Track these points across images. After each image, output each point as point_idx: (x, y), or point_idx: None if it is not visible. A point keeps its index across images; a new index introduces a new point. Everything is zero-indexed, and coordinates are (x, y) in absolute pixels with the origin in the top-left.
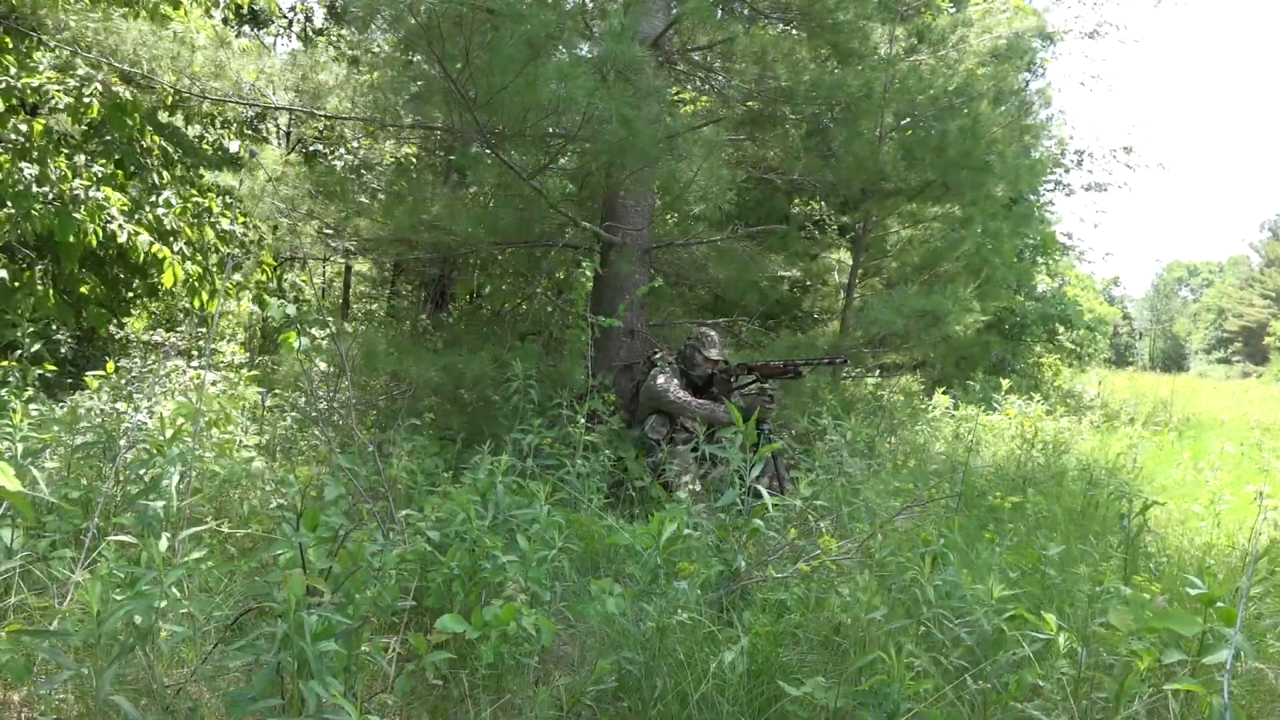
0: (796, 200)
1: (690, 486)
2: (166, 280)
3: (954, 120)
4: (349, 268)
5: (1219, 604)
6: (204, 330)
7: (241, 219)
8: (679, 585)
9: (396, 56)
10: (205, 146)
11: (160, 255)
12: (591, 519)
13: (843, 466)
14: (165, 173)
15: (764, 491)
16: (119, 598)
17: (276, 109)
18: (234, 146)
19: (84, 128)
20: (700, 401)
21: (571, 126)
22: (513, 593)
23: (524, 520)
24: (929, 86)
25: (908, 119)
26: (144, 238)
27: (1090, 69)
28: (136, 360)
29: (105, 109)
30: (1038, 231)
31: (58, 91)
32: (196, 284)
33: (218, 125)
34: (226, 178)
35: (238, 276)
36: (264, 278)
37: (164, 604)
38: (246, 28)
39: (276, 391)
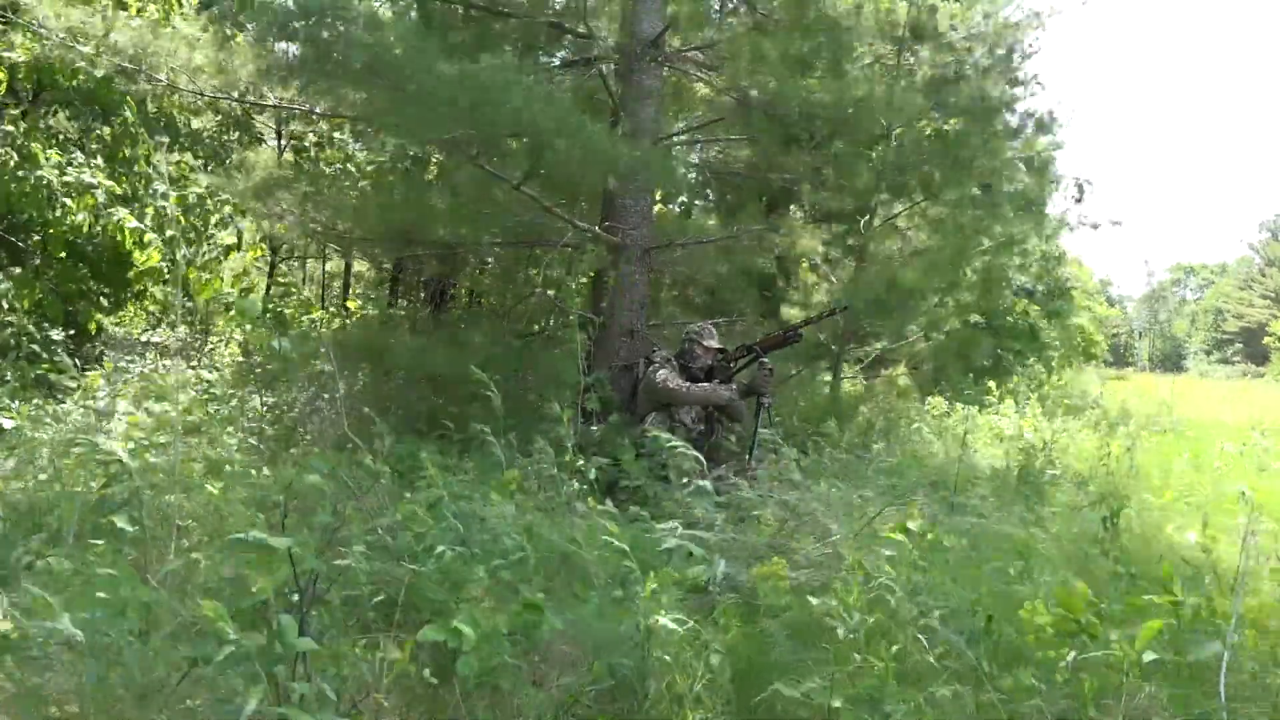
0: (794, 200)
1: (690, 487)
2: (140, 259)
3: (950, 122)
4: (349, 266)
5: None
6: (201, 331)
7: (235, 208)
8: (658, 588)
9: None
10: (195, 136)
11: (145, 239)
12: (574, 520)
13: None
14: (156, 167)
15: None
16: (103, 596)
17: (269, 106)
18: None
19: (79, 125)
20: (699, 385)
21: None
22: (477, 596)
23: (504, 523)
24: (924, 95)
25: (903, 124)
26: (132, 224)
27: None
28: (133, 360)
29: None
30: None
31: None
32: (186, 271)
33: (211, 122)
34: (218, 181)
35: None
36: (254, 274)
37: (149, 605)
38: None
39: (264, 393)
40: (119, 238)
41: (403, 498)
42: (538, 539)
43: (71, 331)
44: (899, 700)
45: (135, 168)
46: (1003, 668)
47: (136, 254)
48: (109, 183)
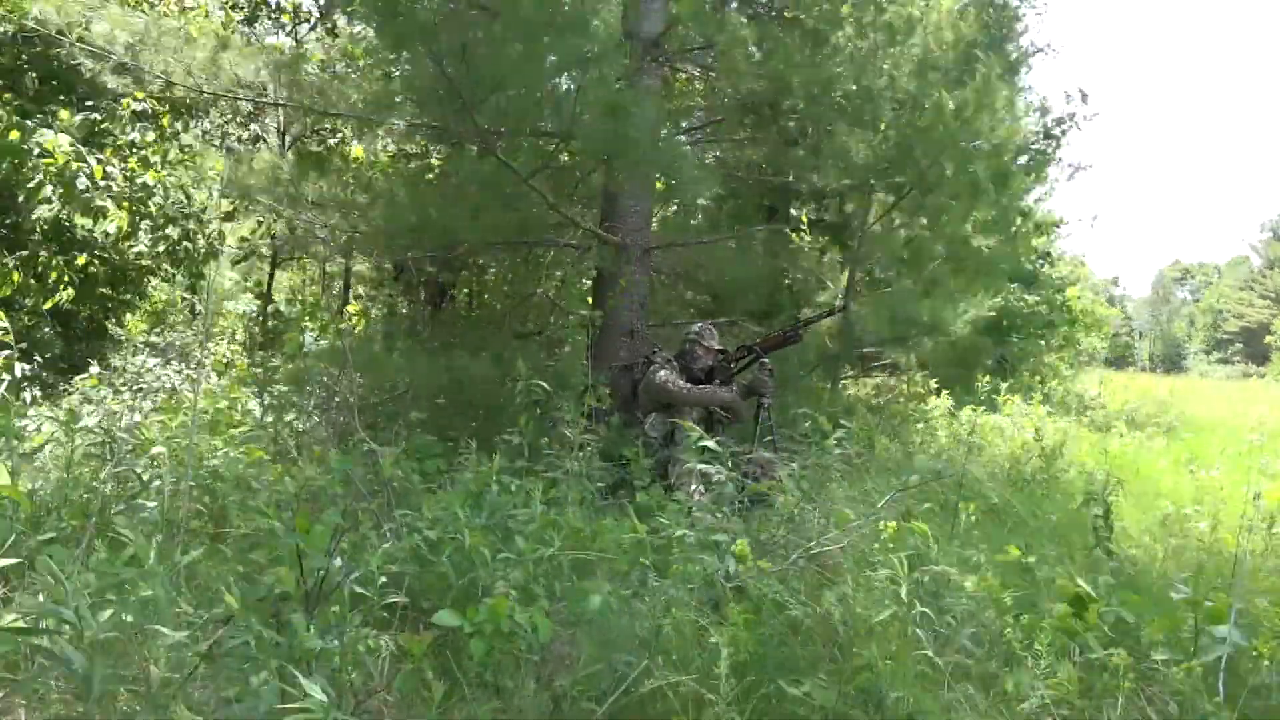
0: (793, 200)
1: (690, 488)
2: (101, 227)
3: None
4: (349, 267)
5: (1207, 604)
6: (200, 330)
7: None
8: (669, 584)
9: (390, 57)
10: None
11: (117, 221)
12: (585, 518)
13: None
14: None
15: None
16: (111, 597)
17: (272, 104)
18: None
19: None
20: (701, 387)
21: (566, 121)
22: (503, 590)
23: (519, 520)
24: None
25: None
26: (111, 207)
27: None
28: (135, 360)
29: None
30: (1020, 210)
31: None
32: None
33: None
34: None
35: (233, 274)
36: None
37: (157, 602)
38: (244, 25)
39: (274, 391)
40: (95, 217)
41: (424, 495)
42: (559, 535)
43: (67, 333)
44: (901, 698)
45: (126, 159)
46: (1005, 666)
47: (116, 222)
48: (90, 160)
